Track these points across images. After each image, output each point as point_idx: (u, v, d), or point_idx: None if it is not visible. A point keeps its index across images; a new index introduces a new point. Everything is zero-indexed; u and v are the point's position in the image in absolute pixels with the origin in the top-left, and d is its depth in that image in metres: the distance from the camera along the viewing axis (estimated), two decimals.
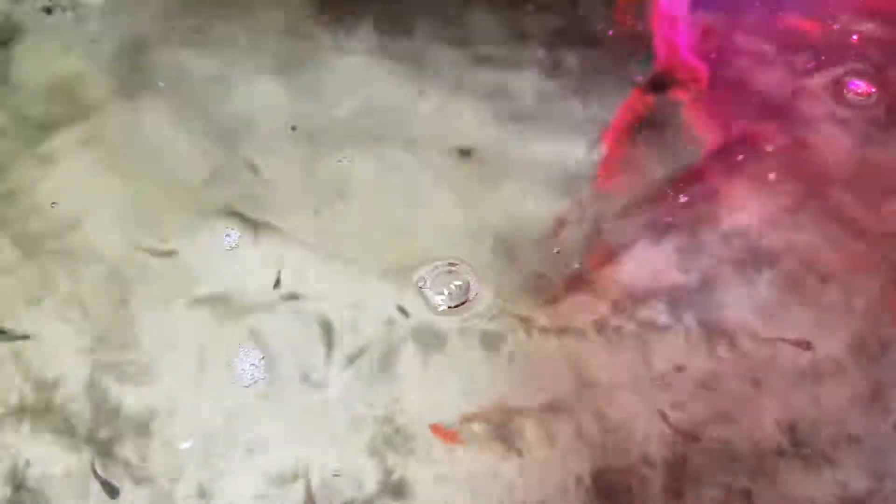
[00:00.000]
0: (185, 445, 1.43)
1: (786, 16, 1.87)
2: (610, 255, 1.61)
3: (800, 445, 1.44)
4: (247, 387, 1.49)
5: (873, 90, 1.79)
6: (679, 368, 1.52)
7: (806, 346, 1.53)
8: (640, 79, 1.52)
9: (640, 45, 1.52)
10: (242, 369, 1.50)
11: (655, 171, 1.65)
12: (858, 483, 1.40)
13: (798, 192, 1.69)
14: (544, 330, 1.55)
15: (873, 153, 1.73)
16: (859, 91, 1.78)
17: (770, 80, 1.83)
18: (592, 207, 1.64)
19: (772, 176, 1.70)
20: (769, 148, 1.73)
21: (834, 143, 1.75)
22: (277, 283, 1.55)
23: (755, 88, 1.80)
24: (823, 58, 1.84)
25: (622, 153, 1.58)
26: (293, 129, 1.59)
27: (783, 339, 1.53)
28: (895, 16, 1.88)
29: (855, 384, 1.50)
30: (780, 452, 1.44)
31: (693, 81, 1.60)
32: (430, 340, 1.54)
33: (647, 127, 1.60)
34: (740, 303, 1.58)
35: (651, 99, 1.59)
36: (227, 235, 1.61)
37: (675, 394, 1.49)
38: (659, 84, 1.58)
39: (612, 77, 1.55)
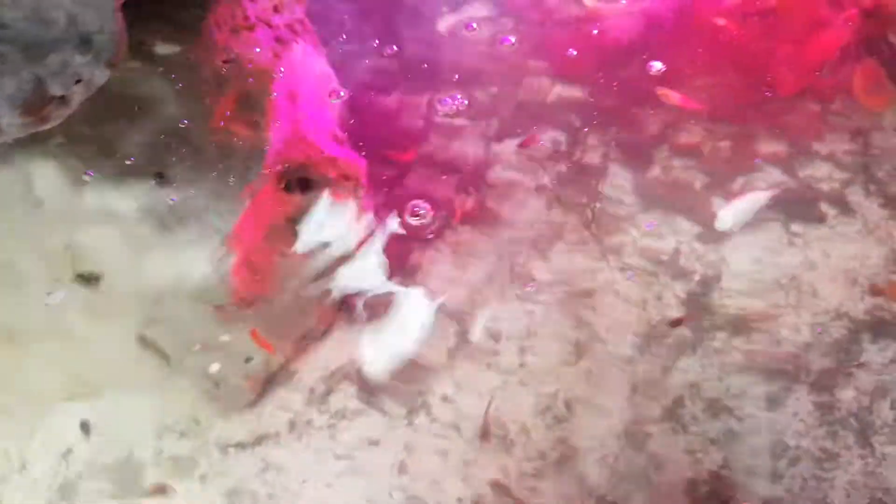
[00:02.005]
0: None
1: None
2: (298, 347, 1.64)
3: None
4: None
5: (561, 149, 1.90)
6: (372, 451, 1.56)
7: (489, 408, 1.61)
8: (253, 181, 1.56)
9: (250, 146, 1.56)
10: None
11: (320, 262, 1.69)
12: None
13: (489, 259, 1.77)
14: (237, 439, 1.56)
15: (555, 213, 1.83)
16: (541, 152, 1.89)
17: (451, 151, 1.90)
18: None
19: (463, 246, 1.77)
20: (458, 220, 1.80)
21: (519, 206, 1.84)
22: None
23: (433, 163, 1.86)
24: (505, 125, 1.93)
25: (260, 256, 1.62)
26: None
27: (482, 411, 1.60)
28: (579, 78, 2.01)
29: (541, 446, 1.58)
30: None
31: (345, 175, 1.65)
32: (122, 471, 1.53)
33: (298, 224, 1.66)
34: (434, 371, 1.64)
35: (295, 196, 1.62)
36: None
37: (368, 482, 1.53)
38: (301, 180, 1.61)
39: (224, 184, 1.60)
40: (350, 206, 1.69)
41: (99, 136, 1.59)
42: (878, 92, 1.97)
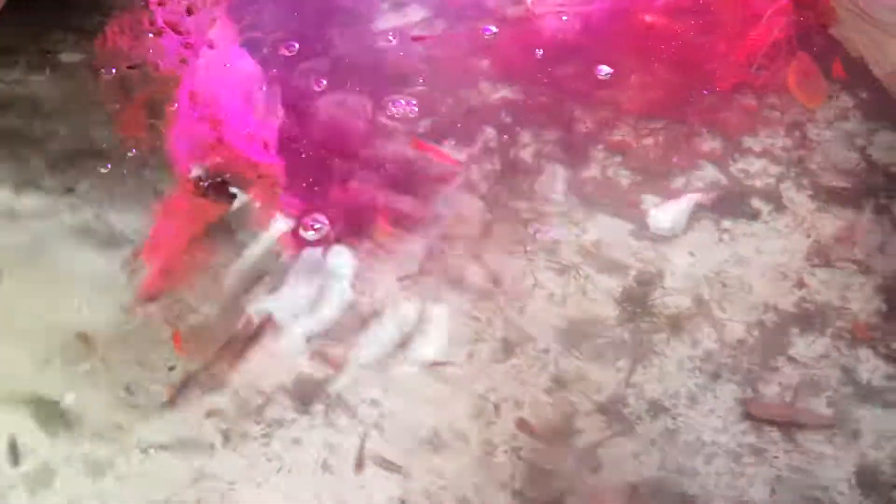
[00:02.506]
0: None
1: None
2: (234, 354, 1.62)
3: None
4: None
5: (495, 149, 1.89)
6: (298, 452, 1.53)
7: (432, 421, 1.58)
8: (167, 188, 1.53)
9: (161, 153, 1.53)
10: None
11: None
12: None
13: (420, 259, 1.75)
14: (160, 443, 1.53)
15: (496, 214, 1.82)
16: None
17: (380, 152, 1.88)
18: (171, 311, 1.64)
19: (398, 247, 1.75)
20: (389, 221, 1.78)
21: (459, 209, 1.82)
22: None
23: (363, 165, 1.85)
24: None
25: (178, 265, 1.60)
26: None
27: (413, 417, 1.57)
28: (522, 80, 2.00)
29: (472, 451, 1.56)
30: None
31: (265, 179, 1.62)
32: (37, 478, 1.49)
33: (219, 231, 1.64)
34: (368, 383, 1.61)
35: (212, 201, 1.60)
36: None
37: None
38: (218, 185, 1.59)
39: (137, 192, 1.59)
40: (270, 210, 1.67)
41: (6, 147, 1.58)
42: (811, 87, 1.96)
